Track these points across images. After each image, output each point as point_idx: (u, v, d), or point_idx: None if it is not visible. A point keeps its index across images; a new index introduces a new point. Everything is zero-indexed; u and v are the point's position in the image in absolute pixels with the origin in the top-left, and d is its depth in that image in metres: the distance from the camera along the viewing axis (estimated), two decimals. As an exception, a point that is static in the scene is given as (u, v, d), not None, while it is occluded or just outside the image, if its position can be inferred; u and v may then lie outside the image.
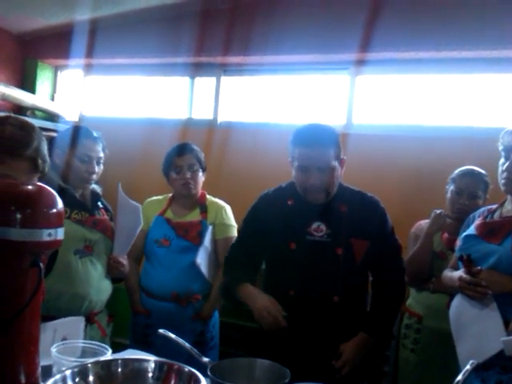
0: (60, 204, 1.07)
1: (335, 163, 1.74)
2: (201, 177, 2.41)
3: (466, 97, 3.35)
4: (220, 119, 3.97)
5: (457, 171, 2.37)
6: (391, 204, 3.23)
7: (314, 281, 1.74)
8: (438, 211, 2.33)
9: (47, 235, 1.02)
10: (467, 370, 1.36)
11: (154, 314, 2.33)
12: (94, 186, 2.06)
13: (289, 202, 1.81)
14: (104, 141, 2.04)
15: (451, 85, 3.39)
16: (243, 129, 3.75)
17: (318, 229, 1.75)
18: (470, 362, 1.39)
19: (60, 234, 1.06)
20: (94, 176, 1.98)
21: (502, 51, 3.09)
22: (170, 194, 2.47)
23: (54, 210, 1.05)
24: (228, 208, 2.46)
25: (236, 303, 1.83)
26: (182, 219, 2.36)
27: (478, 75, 3.32)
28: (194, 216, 2.37)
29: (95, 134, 2.01)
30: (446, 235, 2.34)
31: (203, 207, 2.39)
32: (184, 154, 2.37)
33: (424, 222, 2.43)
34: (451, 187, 2.36)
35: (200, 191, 2.44)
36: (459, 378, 1.31)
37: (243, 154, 3.62)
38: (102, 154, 2.01)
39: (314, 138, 1.73)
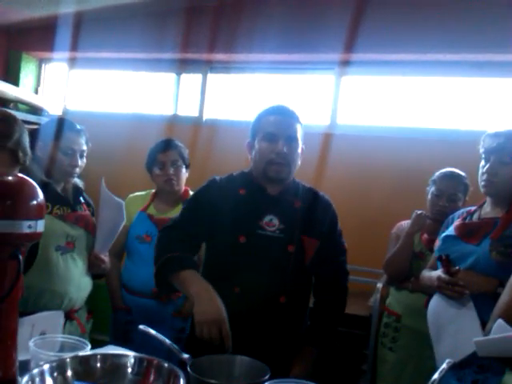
0: (41, 196, 1.06)
1: (300, 141, 1.70)
2: (184, 173, 2.41)
3: (450, 100, 3.39)
4: (206, 116, 3.96)
5: (437, 173, 2.41)
6: (374, 204, 3.31)
7: (263, 278, 1.62)
8: (419, 212, 2.36)
9: (27, 227, 1.02)
10: (444, 369, 1.37)
11: (134, 310, 2.32)
12: (76, 181, 2.03)
13: (240, 192, 1.69)
14: (87, 134, 2.01)
15: (436, 87, 3.43)
16: (229, 127, 3.75)
17: (271, 223, 1.64)
18: (447, 360, 1.41)
19: (40, 226, 1.06)
20: (77, 169, 1.95)
21: (485, 55, 3.15)
22: (153, 190, 2.46)
23: (35, 202, 1.05)
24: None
25: (171, 291, 1.65)
26: (164, 215, 2.35)
27: (462, 78, 3.36)
28: (177, 212, 2.36)
29: (78, 127, 1.98)
30: (425, 236, 2.38)
31: (186, 203, 2.38)
32: (167, 150, 2.36)
33: (405, 223, 2.47)
34: (432, 189, 2.40)
35: (183, 187, 2.43)
36: (435, 376, 1.32)
37: (228, 152, 3.61)
38: (85, 147, 1.98)
39: (282, 109, 1.72)
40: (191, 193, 2.44)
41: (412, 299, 2.32)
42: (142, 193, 2.49)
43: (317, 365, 1.73)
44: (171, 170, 2.35)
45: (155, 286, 1.67)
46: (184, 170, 2.41)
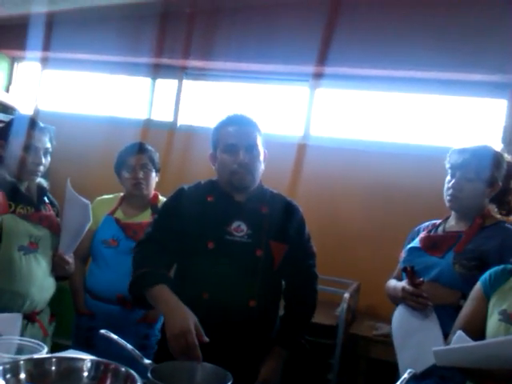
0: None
1: (261, 147, 1.74)
2: (154, 177, 2.38)
3: (420, 115, 3.47)
4: (180, 122, 3.95)
5: None
6: (342, 215, 3.33)
7: (231, 283, 1.65)
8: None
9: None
10: (405, 379, 1.39)
11: (98, 316, 2.26)
12: (41, 180, 1.99)
13: (208, 199, 1.73)
14: (52, 132, 1.96)
15: (406, 103, 3.50)
16: (203, 133, 3.73)
17: (239, 228, 1.68)
18: (408, 370, 1.44)
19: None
20: (41, 167, 1.90)
21: (454, 74, 3.24)
22: (122, 194, 2.43)
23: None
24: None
25: (145, 306, 1.63)
26: (132, 220, 2.32)
27: (432, 96, 3.44)
28: (145, 217, 2.33)
29: (41, 125, 1.93)
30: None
31: (155, 208, 2.35)
32: (137, 154, 2.34)
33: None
34: None
35: (153, 192, 2.41)
36: (397, 385, 1.35)
37: (202, 158, 3.60)
38: (49, 145, 1.93)
39: (240, 118, 1.76)
40: (161, 198, 2.42)
41: None
42: (110, 196, 2.44)
43: (286, 367, 1.74)
44: (141, 174, 2.32)
45: (131, 302, 1.68)
46: (154, 174, 2.38)
